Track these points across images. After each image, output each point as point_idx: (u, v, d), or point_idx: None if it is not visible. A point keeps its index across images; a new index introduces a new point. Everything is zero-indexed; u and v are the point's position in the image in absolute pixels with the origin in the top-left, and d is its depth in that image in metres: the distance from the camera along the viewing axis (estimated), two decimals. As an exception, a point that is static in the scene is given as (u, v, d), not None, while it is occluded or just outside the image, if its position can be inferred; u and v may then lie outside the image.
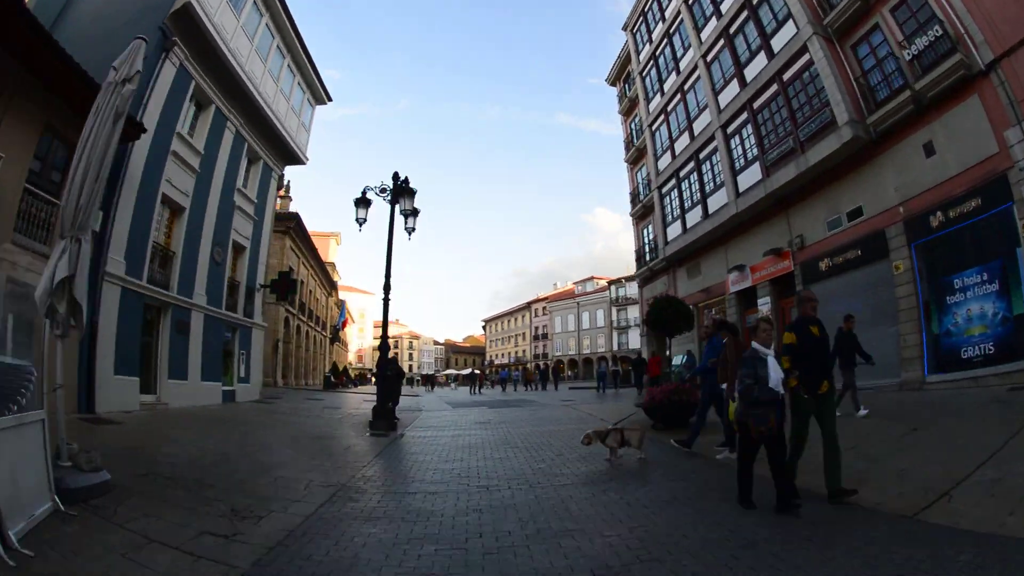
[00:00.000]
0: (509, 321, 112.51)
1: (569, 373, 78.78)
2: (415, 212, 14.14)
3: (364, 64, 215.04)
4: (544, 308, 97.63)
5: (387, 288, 13.52)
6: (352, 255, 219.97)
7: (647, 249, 31.70)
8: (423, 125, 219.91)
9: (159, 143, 14.48)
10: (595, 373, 35.92)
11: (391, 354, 15.07)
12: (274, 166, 23.02)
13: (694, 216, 25.05)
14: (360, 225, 13.82)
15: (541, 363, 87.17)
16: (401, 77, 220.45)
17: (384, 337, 13.87)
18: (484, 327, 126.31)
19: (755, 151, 20.65)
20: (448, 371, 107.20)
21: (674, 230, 26.73)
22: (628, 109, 34.59)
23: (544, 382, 46.40)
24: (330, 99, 26.19)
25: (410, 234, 14.18)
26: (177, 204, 16.07)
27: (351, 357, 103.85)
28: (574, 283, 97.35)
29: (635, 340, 79.22)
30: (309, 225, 43.24)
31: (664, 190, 27.91)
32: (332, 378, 42.10)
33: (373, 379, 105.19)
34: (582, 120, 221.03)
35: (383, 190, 13.88)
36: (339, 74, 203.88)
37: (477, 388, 43.80)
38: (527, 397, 29.25)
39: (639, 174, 33.22)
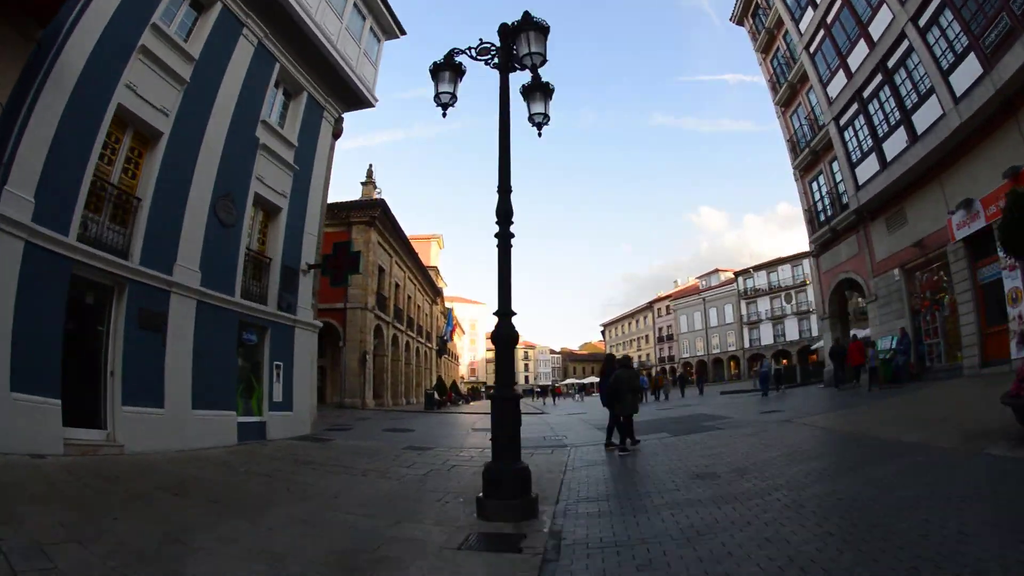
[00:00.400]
0: (630, 324, 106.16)
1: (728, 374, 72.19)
2: (544, 89, 7.42)
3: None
4: (668, 307, 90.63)
5: (505, 215, 6.61)
6: (456, 264, 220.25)
7: (820, 208, 25.54)
8: (519, 132, 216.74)
9: (117, 33, 9.55)
10: (758, 374, 30.21)
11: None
12: (325, 103, 17.04)
13: (895, 144, 18.75)
14: (443, 107, 7.26)
15: (667, 366, 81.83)
16: (493, 90, 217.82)
17: (504, 295, 6.51)
18: (603, 332, 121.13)
19: (964, 40, 15.10)
20: (568, 380, 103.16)
21: (866, 170, 20.57)
22: (767, 43, 28.65)
23: (683, 388, 40.94)
24: (403, 32, 20.16)
25: (539, 128, 7.41)
26: (147, 126, 10.66)
27: (463, 370, 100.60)
28: (697, 278, 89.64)
29: (767, 336, 72.20)
30: (406, 230, 39.32)
31: (843, 121, 21.65)
32: (436, 395, 36.01)
33: (488, 393, 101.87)
34: (680, 119, 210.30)
35: (484, 51, 7.20)
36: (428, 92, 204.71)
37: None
38: (693, 410, 20.29)
39: (795, 117, 26.80)
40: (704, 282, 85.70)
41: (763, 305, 71.91)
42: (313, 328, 15.95)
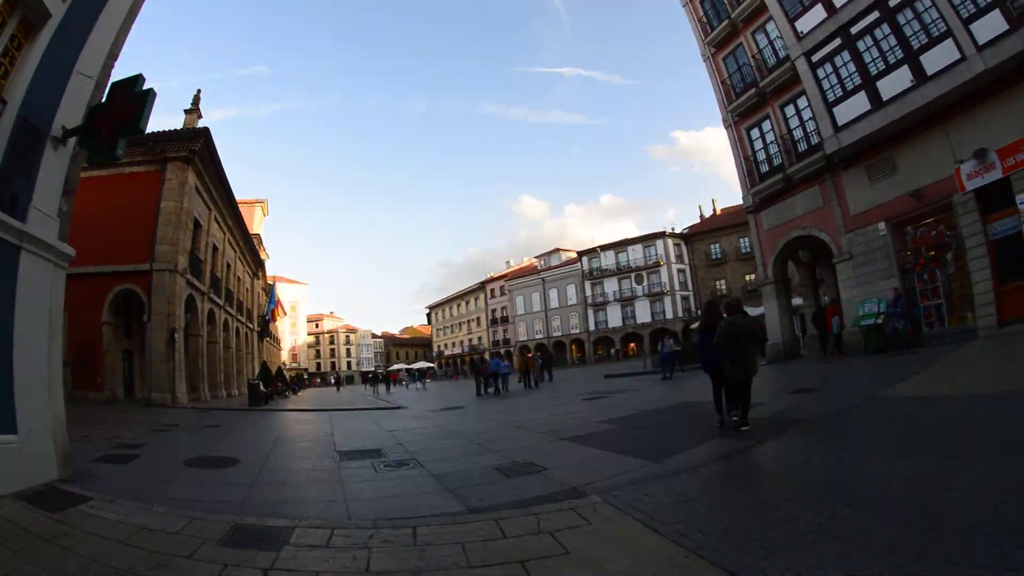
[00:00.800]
0: (459, 306, 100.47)
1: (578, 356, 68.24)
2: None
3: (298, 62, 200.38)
4: (502, 288, 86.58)
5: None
6: (277, 240, 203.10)
7: (762, 157, 22.49)
8: (349, 117, 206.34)
9: None
10: (659, 353, 24.50)
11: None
12: None
13: (895, 82, 16.37)
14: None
15: (503, 350, 76.93)
16: (332, 69, 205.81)
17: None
18: (429, 315, 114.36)
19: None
20: (397, 365, 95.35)
21: (850, 109, 17.78)
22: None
23: (549, 370, 34.64)
24: None
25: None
26: None
27: (284, 355, 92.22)
28: (535, 257, 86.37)
29: (615, 318, 69.71)
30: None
31: (817, 57, 18.70)
32: (262, 386, 26.17)
33: (316, 382, 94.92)
34: (509, 108, 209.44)
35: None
36: (268, 69, 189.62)
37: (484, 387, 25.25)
38: (649, 398, 14.71)
39: (732, 59, 23.59)
40: (543, 262, 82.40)
41: (610, 286, 69.39)
42: (59, 259, 7.36)
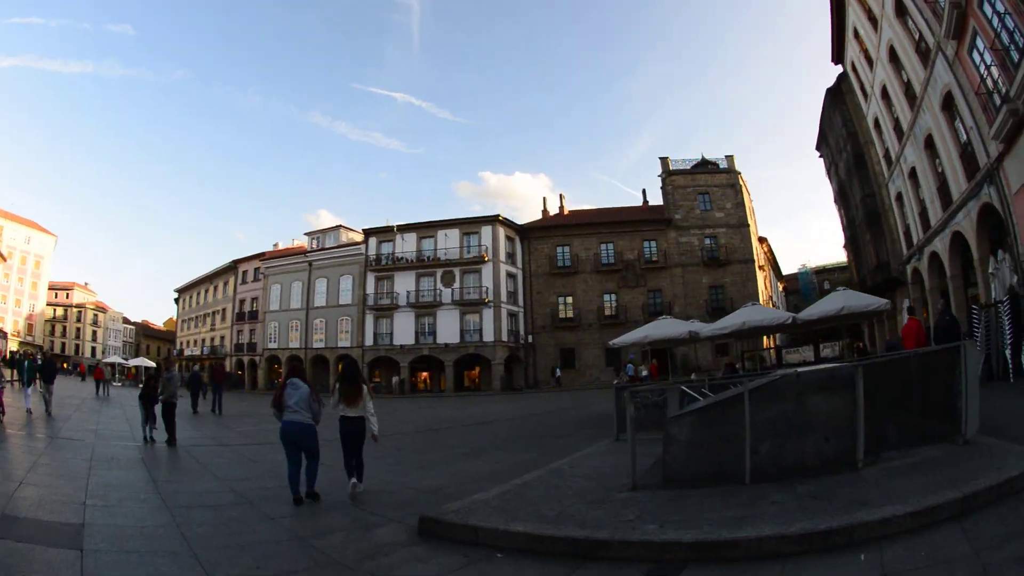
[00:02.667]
0: (207, 292, 71.19)
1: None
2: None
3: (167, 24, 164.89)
4: (256, 271, 58.79)
5: None
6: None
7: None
8: (187, 99, 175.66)
9: None
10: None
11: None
12: None
13: None
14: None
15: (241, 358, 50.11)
16: (186, 44, 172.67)
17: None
18: (178, 300, 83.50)
19: None
20: (138, 359, 64.74)
21: None
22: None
23: (195, 398, 23.23)
24: None
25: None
26: None
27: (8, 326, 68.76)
28: (307, 234, 58.74)
29: (406, 330, 45.61)
30: None
31: None
32: None
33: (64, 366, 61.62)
34: (334, 123, 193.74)
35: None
36: (134, 30, 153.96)
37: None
38: None
39: None
40: (316, 241, 56.22)
41: (405, 283, 45.23)
42: None
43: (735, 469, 6.32)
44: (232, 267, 62.95)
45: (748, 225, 49.27)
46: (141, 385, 14.74)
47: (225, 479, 9.13)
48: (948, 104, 18.53)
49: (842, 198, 40.39)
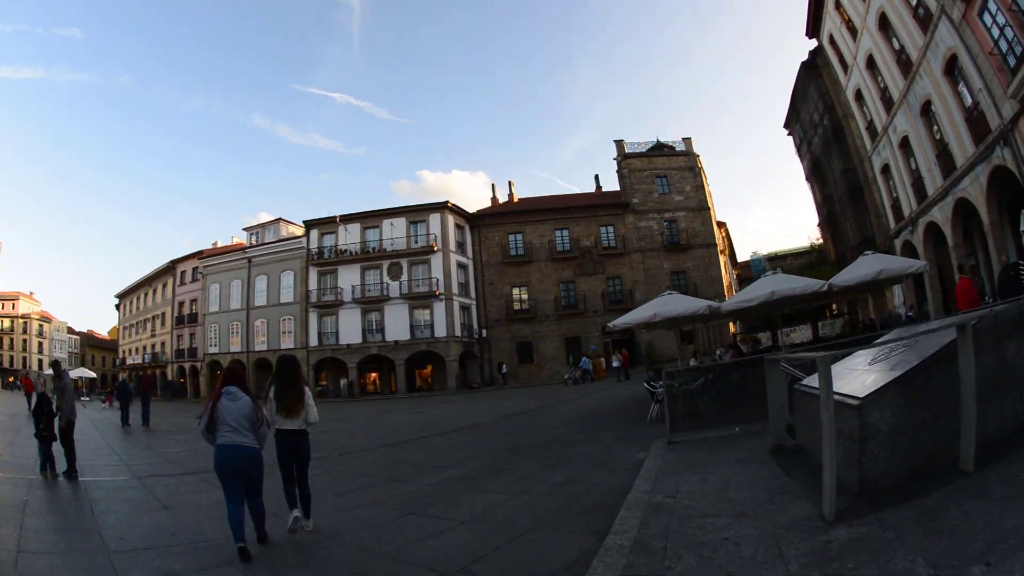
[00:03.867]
0: (147, 296, 65.14)
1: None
2: None
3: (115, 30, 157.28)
4: (195, 271, 53.50)
5: None
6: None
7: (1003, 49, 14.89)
8: (132, 106, 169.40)
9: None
10: None
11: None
12: None
13: None
14: None
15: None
16: (132, 48, 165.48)
17: None
18: (119, 305, 78.33)
19: None
20: (80, 370, 59.26)
21: None
22: None
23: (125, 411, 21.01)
24: None
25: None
26: None
27: None
28: (246, 229, 54.12)
29: (351, 330, 41.36)
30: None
31: None
32: None
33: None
34: (275, 124, 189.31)
35: None
36: (82, 33, 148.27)
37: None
38: None
39: None
40: (255, 237, 51.14)
41: (349, 278, 41.41)
42: None
43: (947, 455, 4.66)
44: (170, 268, 57.81)
45: (708, 208, 46.74)
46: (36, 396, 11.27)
47: (121, 543, 5.90)
48: (951, 68, 18.01)
49: (817, 175, 38.12)
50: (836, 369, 5.80)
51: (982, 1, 15.24)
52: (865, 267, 13.42)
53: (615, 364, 32.65)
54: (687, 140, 48.12)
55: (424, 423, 18.58)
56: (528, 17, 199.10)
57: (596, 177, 50.38)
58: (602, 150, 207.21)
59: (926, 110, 20.76)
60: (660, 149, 47.99)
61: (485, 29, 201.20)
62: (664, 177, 46.45)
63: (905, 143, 23.50)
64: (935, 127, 20.66)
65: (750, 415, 9.15)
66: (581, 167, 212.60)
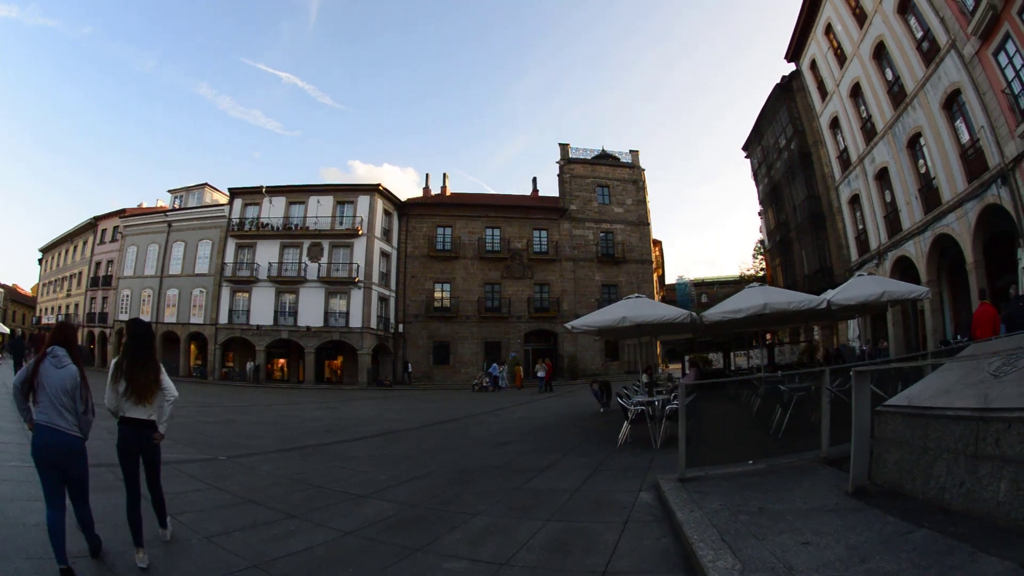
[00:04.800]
0: (68, 253, 59.01)
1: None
2: None
3: None
4: (116, 230, 48.80)
5: None
6: None
7: (1016, 89, 14.95)
8: (90, 58, 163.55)
9: None
10: None
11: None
12: None
13: None
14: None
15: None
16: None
17: None
18: (41, 260, 73.81)
19: None
20: None
21: None
22: None
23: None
24: None
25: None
26: None
27: None
28: (171, 191, 48.10)
29: (263, 310, 36.68)
30: None
31: None
32: None
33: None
34: (218, 96, 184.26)
35: None
36: None
37: None
38: None
39: None
40: (179, 200, 46.02)
41: (267, 254, 37.15)
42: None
43: None
44: (92, 224, 53.58)
45: (648, 224, 43.87)
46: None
47: None
48: (950, 103, 17.42)
49: (773, 200, 35.11)
50: (931, 387, 5.27)
51: (1001, 40, 14.60)
52: (865, 287, 12.40)
53: (539, 374, 30.40)
54: (634, 152, 45.23)
55: (335, 422, 15.38)
56: (498, 24, 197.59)
57: (534, 180, 47.49)
58: (541, 156, 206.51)
59: (913, 143, 19.97)
60: (605, 159, 44.85)
61: (448, 38, 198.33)
62: (606, 187, 43.48)
63: (883, 174, 22.53)
64: (921, 160, 19.88)
65: (754, 444, 7.76)
66: (516, 173, 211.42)
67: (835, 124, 26.61)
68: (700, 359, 27.93)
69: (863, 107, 23.67)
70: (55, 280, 62.52)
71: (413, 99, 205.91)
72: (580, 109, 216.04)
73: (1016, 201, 14.88)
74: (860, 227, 25.60)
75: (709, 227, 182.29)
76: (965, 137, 17.04)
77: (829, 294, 12.77)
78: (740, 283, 57.01)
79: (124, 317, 43.60)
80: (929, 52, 18.15)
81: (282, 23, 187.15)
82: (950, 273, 17.99)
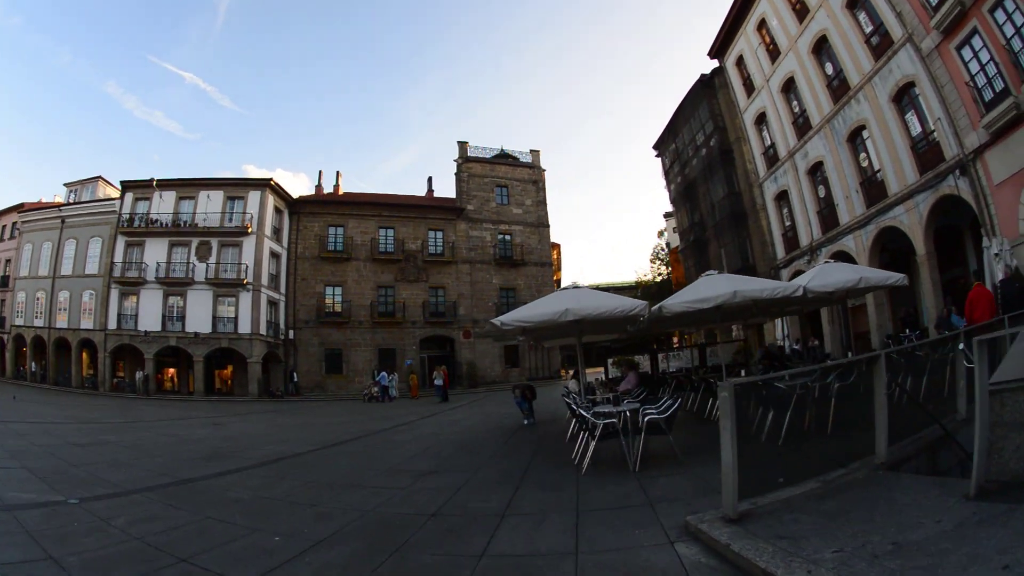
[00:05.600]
0: None
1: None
2: None
3: None
4: (15, 225, 45.74)
5: None
6: None
7: (980, 83, 15.57)
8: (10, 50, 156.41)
9: None
10: None
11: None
12: None
13: None
14: None
15: None
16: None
17: None
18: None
19: None
20: None
21: None
22: None
23: None
24: None
25: None
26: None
27: None
28: (66, 184, 43.92)
29: (151, 315, 34.59)
30: None
31: None
32: None
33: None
34: (126, 94, 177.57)
35: None
36: None
37: None
38: None
39: None
40: (74, 195, 41.75)
41: (156, 253, 33.21)
42: None
43: None
44: (-1, 217, 50.78)
45: (548, 226, 41.03)
46: None
47: None
48: (900, 96, 17.21)
49: (688, 199, 32.77)
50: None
51: (966, 35, 14.69)
52: (840, 274, 11.28)
53: (437, 382, 27.65)
54: (534, 152, 42.53)
55: (220, 444, 12.72)
56: (395, 26, 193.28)
57: (430, 180, 44.04)
58: (437, 161, 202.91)
59: (855, 136, 19.51)
60: (504, 158, 41.94)
61: (350, 38, 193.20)
62: (505, 187, 40.67)
63: (817, 169, 21.91)
64: (863, 154, 19.43)
65: (774, 457, 6.21)
66: (411, 179, 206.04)
67: (761, 120, 25.72)
68: (627, 361, 25.41)
69: (795, 102, 23.06)
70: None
71: (310, 103, 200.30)
72: (481, 111, 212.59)
73: (977, 191, 14.95)
74: (788, 223, 24.58)
75: (601, 231, 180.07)
76: (917, 129, 16.80)
77: (803, 280, 11.35)
78: (636, 288, 55.35)
79: (20, 322, 39.78)
80: (880, 46, 17.74)
81: (190, 21, 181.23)
82: (892, 267, 16.67)
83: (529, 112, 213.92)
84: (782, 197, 24.70)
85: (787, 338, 23.72)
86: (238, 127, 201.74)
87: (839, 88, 19.95)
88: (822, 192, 21.91)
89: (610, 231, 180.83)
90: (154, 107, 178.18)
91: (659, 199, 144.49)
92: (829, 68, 20.56)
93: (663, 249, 56.42)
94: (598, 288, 55.07)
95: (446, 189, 40.96)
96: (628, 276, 78.99)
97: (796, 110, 22.89)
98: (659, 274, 53.67)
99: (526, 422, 13.44)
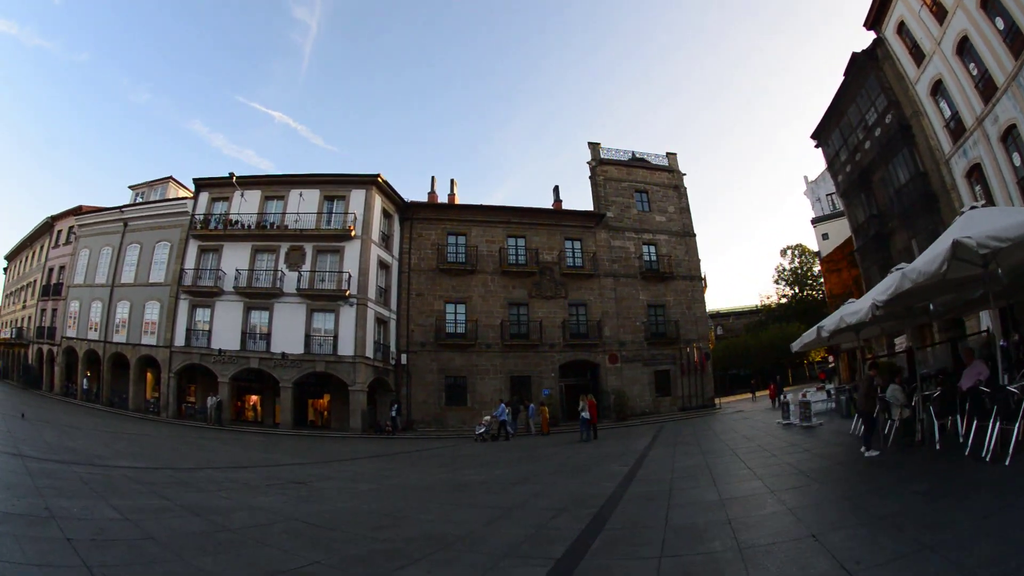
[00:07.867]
0: (29, 260, 53.68)
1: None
2: None
3: None
4: (71, 231, 41.78)
5: None
6: None
7: None
8: (84, 85, 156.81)
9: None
10: None
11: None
12: None
13: None
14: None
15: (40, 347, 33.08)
16: (100, 22, 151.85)
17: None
18: (6, 269, 65.24)
19: None
20: None
21: None
22: None
23: None
24: None
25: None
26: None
27: None
28: (132, 187, 41.42)
29: (228, 332, 30.17)
30: None
31: None
32: None
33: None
34: (213, 133, 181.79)
35: None
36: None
37: None
38: None
39: None
40: (140, 196, 39.98)
41: (235, 259, 30.88)
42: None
43: None
44: (48, 226, 46.53)
45: (694, 235, 38.83)
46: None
47: None
48: None
49: (861, 188, 30.39)
50: None
51: None
52: None
53: (584, 416, 21.99)
54: (671, 155, 40.52)
55: (292, 531, 7.20)
56: (496, 66, 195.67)
57: (556, 189, 39.65)
58: (556, 175, 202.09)
59: None
60: (640, 161, 39.98)
61: (445, 75, 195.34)
62: (644, 192, 38.55)
63: (1009, 133, 19.97)
64: None
65: None
66: (525, 195, 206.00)
67: (937, 88, 24.07)
68: (889, 366, 21.19)
69: (972, 64, 21.52)
70: (16, 290, 55.60)
71: (407, 139, 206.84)
72: (605, 115, 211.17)
73: None
74: (982, 203, 21.45)
75: (722, 256, 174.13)
76: None
77: None
78: (757, 313, 52.35)
79: (72, 333, 36.19)
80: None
81: (275, 63, 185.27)
82: None
83: (650, 114, 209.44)
84: (973, 172, 23.03)
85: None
86: (331, 165, 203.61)
87: (1015, 42, 18.68)
88: (1017, 161, 20.24)
89: (730, 256, 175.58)
90: (244, 145, 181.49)
91: (788, 215, 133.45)
92: (1003, 22, 19.18)
93: (784, 269, 52.46)
94: (717, 313, 47.60)
95: (573, 199, 36.32)
96: (751, 301, 75.26)
97: (974, 72, 21.54)
98: (783, 296, 48.82)
99: (867, 452, 10.89)
